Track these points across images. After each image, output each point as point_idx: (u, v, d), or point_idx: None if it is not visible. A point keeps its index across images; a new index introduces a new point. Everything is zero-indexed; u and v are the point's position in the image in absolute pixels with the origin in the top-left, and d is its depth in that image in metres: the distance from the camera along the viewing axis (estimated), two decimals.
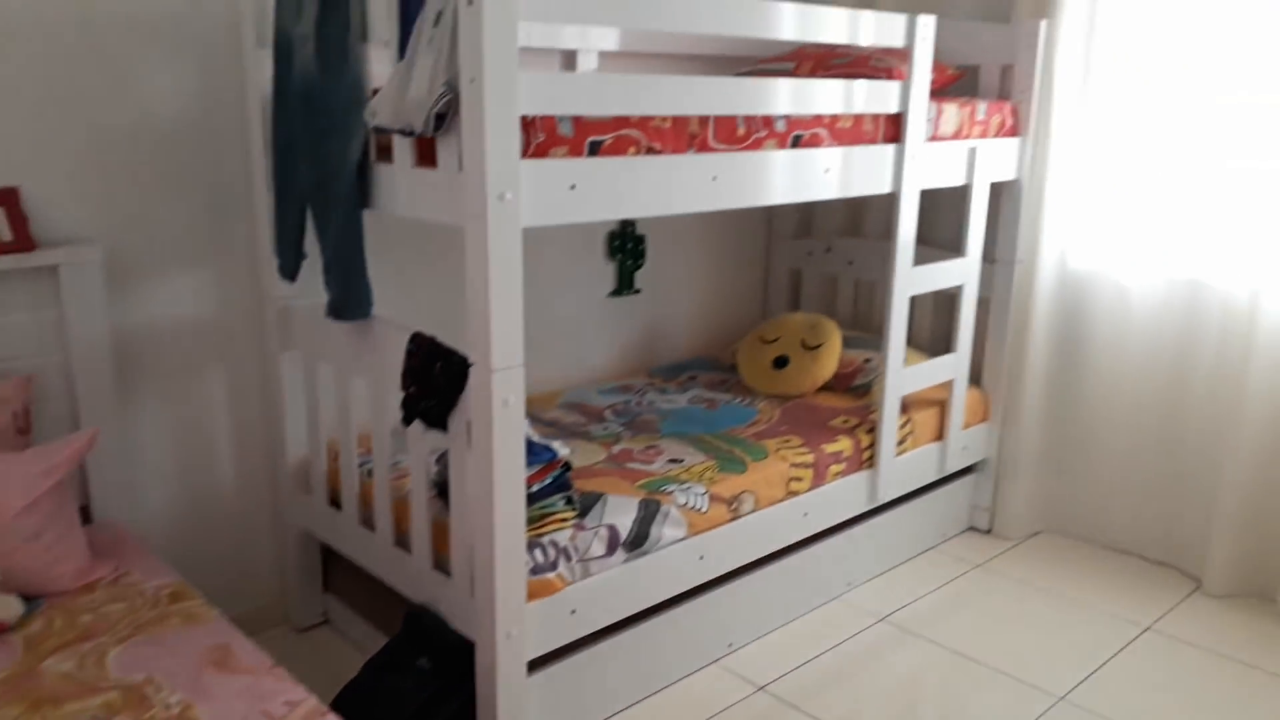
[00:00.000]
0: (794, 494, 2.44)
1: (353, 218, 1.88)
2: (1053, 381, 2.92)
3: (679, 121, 1.89)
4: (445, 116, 1.63)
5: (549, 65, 2.66)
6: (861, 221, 3.26)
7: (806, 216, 3.40)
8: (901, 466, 2.71)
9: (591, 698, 2.07)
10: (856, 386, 2.92)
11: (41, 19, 1.92)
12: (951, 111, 2.54)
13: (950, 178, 2.58)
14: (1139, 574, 2.79)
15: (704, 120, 1.94)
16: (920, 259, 2.60)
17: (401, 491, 2.08)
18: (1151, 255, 2.71)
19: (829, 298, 3.39)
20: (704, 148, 1.94)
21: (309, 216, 2.00)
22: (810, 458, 2.48)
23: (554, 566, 1.94)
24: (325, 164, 1.89)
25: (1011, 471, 2.96)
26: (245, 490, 2.39)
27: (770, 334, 2.98)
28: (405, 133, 1.70)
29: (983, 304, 2.93)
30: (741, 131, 2.01)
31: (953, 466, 2.89)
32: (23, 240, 1.90)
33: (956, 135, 2.57)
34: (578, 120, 1.72)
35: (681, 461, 2.36)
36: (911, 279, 2.55)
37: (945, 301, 3.04)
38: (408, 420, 1.87)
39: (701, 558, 2.23)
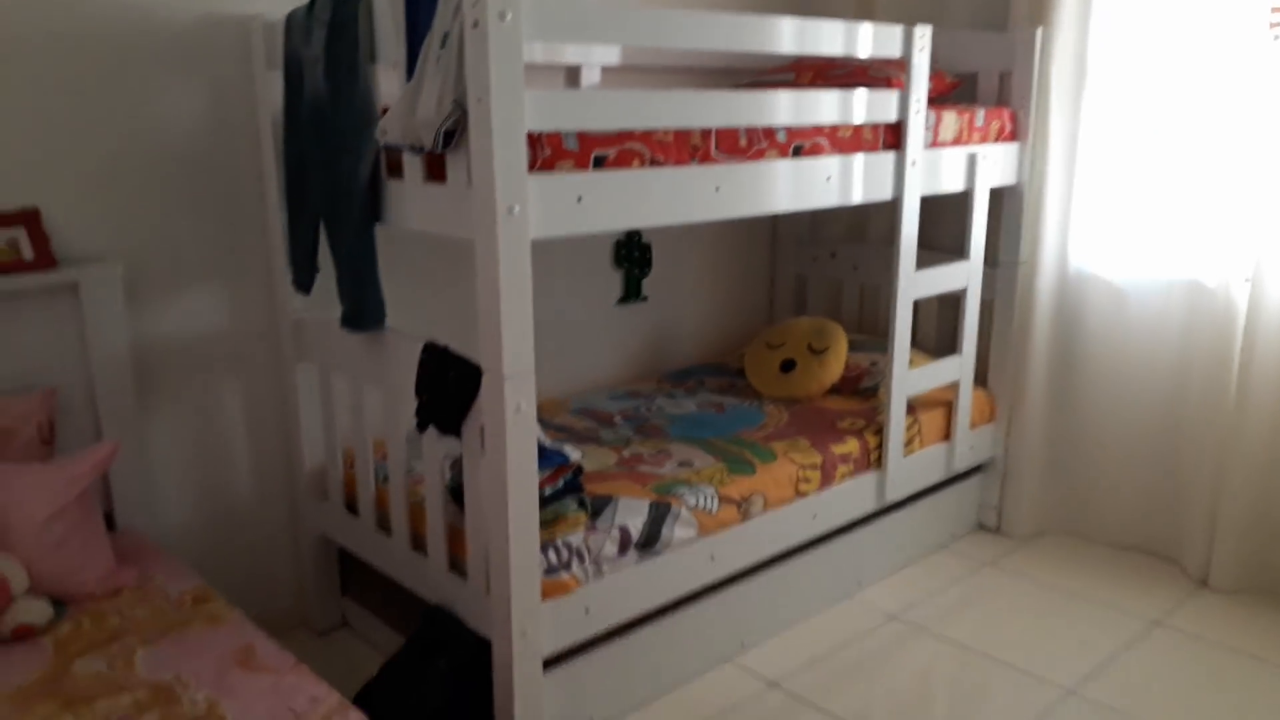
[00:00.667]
0: (803, 495, 2.48)
1: (365, 232, 1.95)
2: (1055, 382, 2.96)
3: (681, 134, 1.94)
4: (454, 134, 1.69)
5: (553, 80, 2.72)
6: (866, 227, 3.31)
7: (811, 223, 3.45)
8: (909, 467, 2.75)
9: (607, 695, 2.12)
10: (863, 389, 2.96)
11: (59, 41, 1.99)
12: (950, 119, 2.58)
13: (951, 183, 2.62)
14: (1146, 570, 2.81)
15: (706, 133, 1.99)
16: (923, 263, 2.64)
17: (417, 496, 2.14)
18: (1149, 256, 2.75)
19: (834, 302, 3.43)
20: (706, 159, 2.00)
21: (322, 231, 2.06)
22: (818, 459, 2.53)
23: (567, 567, 1.99)
24: (337, 181, 1.95)
25: (1017, 471, 3.00)
26: (263, 497, 2.45)
27: (777, 339, 3.03)
28: (415, 150, 1.76)
29: (987, 306, 2.97)
30: (743, 143, 2.06)
31: (960, 466, 2.93)
32: (44, 259, 1.96)
33: (956, 141, 2.61)
34: (582, 135, 1.78)
35: (691, 464, 2.41)
36: (915, 283, 2.59)
37: (950, 304, 3.08)
38: (422, 427, 1.92)
39: (712, 558, 2.27)
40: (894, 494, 2.73)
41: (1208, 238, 2.62)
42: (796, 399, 2.93)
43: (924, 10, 3.07)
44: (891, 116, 2.38)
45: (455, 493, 2.03)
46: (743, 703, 2.21)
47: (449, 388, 1.82)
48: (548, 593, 1.93)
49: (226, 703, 1.56)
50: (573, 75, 2.74)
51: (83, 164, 2.06)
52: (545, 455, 1.98)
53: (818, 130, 2.22)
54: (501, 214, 1.64)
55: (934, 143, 2.53)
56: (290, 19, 2.06)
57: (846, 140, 2.29)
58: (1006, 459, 3.03)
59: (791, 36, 2.08)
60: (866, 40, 2.26)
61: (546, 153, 1.72)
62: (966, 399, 2.88)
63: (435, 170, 1.80)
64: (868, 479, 2.65)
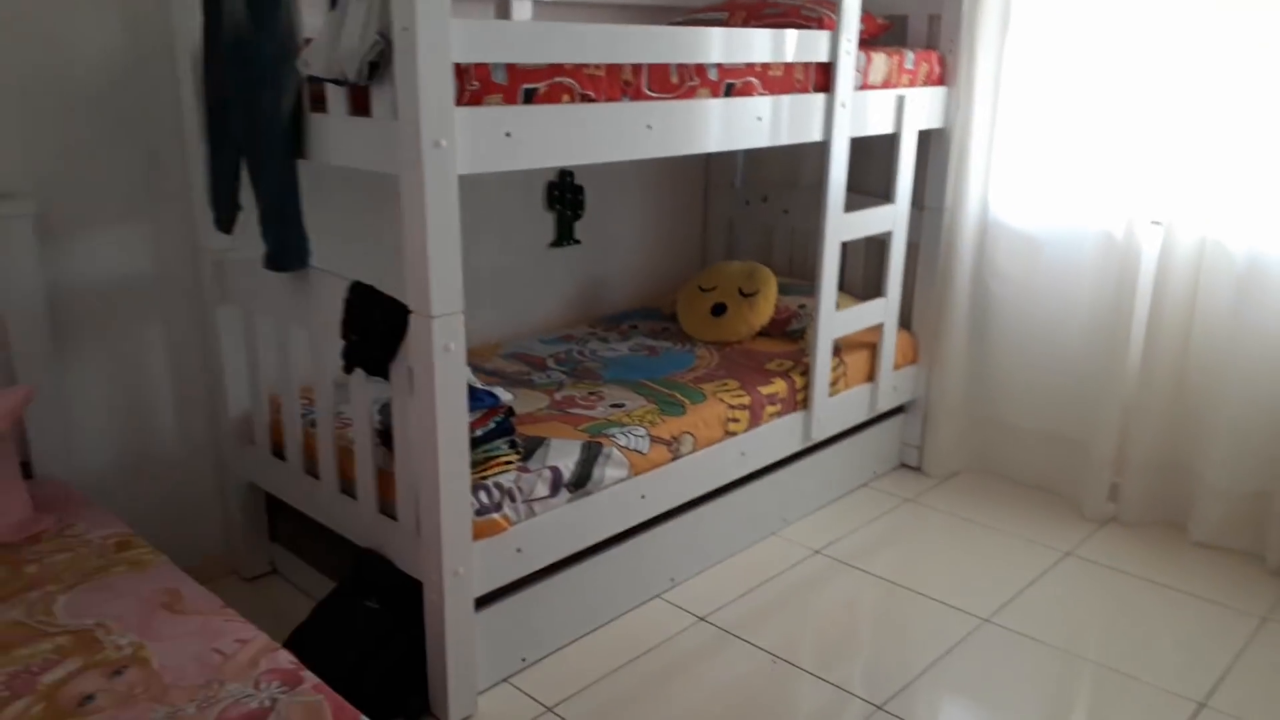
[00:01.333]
0: (731, 434, 2.52)
1: (287, 168, 1.89)
2: (974, 325, 3.02)
3: (612, 70, 1.92)
4: (378, 65, 1.65)
5: (483, 13, 2.66)
6: (798, 171, 3.32)
7: (744, 167, 3.45)
8: (834, 407, 2.81)
9: (539, 632, 2.15)
10: (792, 331, 3.00)
11: None
12: (880, 61, 2.60)
13: (879, 126, 2.65)
14: (1058, 507, 2.93)
15: (637, 69, 1.97)
16: (852, 207, 2.67)
17: (345, 440, 2.12)
18: (1065, 202, 2.80)
19: (766, 246, 3.46)
20: (638, 96, 1.98)
21: (243, 168, 2.00)
22: (747, 400, 2.56)
23: (499, 507, 1.99)
24: (259, 115, 1.89)
25: (936, 412, 3.08)
26: (188, 444, 2.40)
27: (708, 282, 3.04)
28: (339, 82, 1.71)
29: (913, 250, 3.02)
30: (675, 80, 2.05)
31: (883, 406, 3.00)
32: None
33: (885, 84, 2.63)
34: (511, 68, 1.75)
35: (623, 406, 2.43)
36: (842, 225, 2.62)
37: (877, 248, 3.13)
38: (349, 369, 1.90)
39: (643, 497, 2.30)
40: (819, 433, 2.78)
41: (1120, 184, 2.69)
42: (727, 342, 2.95)
43: None
44: (822, 57, 2.39)
45: (384, 435, 2.02)
46: (673, 637, 2.26)
47: (376, 328, 1.80)
48: (479, 533, 1.94)
49: (152, 646, 1.54)
50: (503, 7, 2.68)
51: None
52: (476, 397, 1.97)
53: (749, 69, 2.21)
54: (427, 148, 1.61)
55: (864, 85, 2.54)
56: None
57: (778, 80, 2.29)
58: (928, 400, 3.10)
59: None
60: None
61: (474, 85, 1.69)
62: (891, 341, 2.94)
63: (360, 103, 1.76)
64: (794, 419, 2.70)
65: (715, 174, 3.46)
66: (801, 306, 3.01)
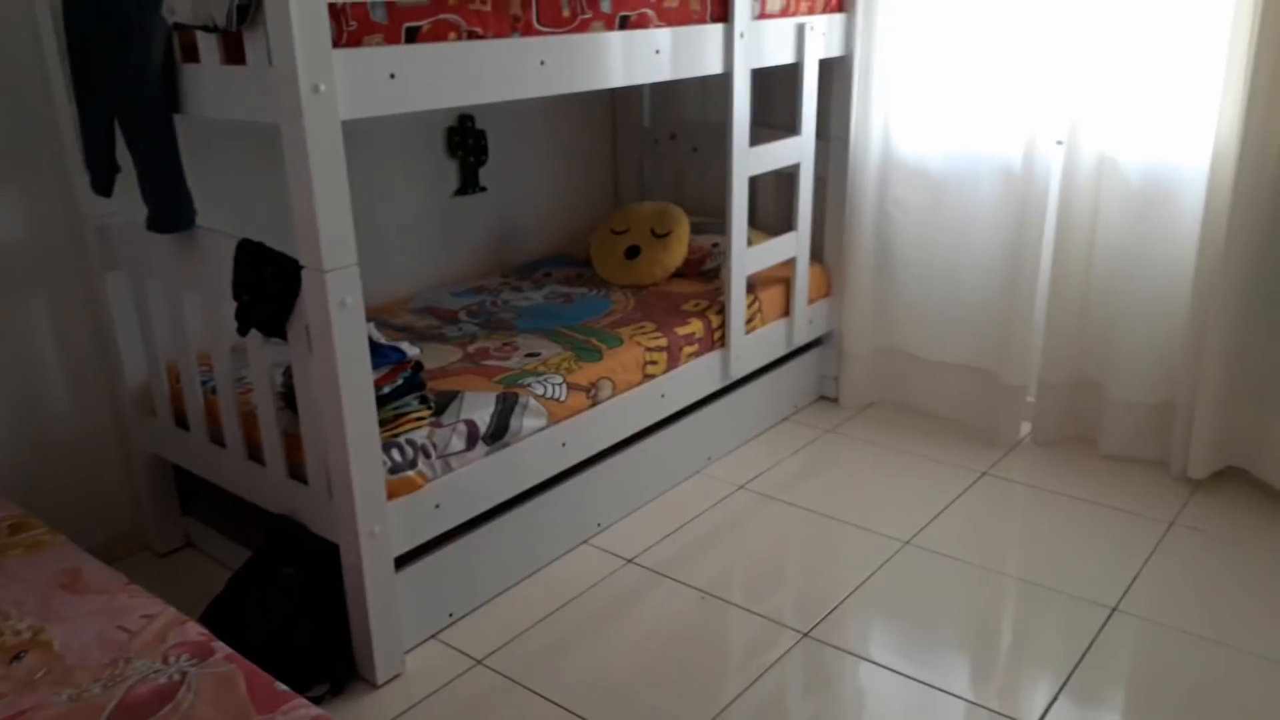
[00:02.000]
0: (650, 377, 2.51)
1: (163, 124, 1.80)
2: (880, 257, 3.00)
3: (500, 5, 1.86)
4: (248, 8, 1.56)
5: None
6: (705, 108, 3.29)
7: (652, 106, 3.40)
8: (751, 344, 2.81)
9: (465, 586, 2.13)
10: (706, 271, 2.98)
11: None
12: None
13: (780, 55, 2.62)
14: (973, 431, 2.98)
15: (526, 3, 1.91)
16: (760, 140, 2.65)
17: (249, 405, 2.05)
18: (967, 126, 2.78)
19: (678, 185, 3.43)
20: (529, 31, 1.92)
21: (117, 126, 1.90)
22: (664, 341, 2.55)
23: (413, 464, 1.96)
24: (127, 68, 1.78)
25: (848, 345, 3.09)
26: (85, 418, 2.30)
27: (620, 225, 3.01)
28: (208, 28, 1.62)
29: (823, 184, 3.01)
30: (566, 13, 1.99)
31: (800, 340, 3.02)
32: None
33: (784, 12, 2.60)
34: (391, 6, 1.67)
35: (539, 355, 2.39)
36: (748, 159, 2.60)
37: (788, 184, 3.11)
38: (243, 330, 1.83)
39: (564, 445, 2.28)
40: (738, 371, 2.79)
41: (1020, 105, 2.68)
42: (643, 285, 2.93)
43: None
44: None
45: (288, 398, 1.96)
46: (601, 580, 2.26)
47: (267, 287, 1.73)
48: (394, 492, 1.90)
49: (52, 628, 1.48)
50: None
51: None
52: (380, 352, 1.92)
53: (644, 0, 2.16)
54: (306, 94, 1.54)
55: (761, 13, 2.51)
56: None
57: (674, 11, 2.25)
58: (840, 333, 3.12)
59: None
60: None
61: (352, 26, 1.61)
62: (803, 275, 2.95)
63: (233, 51, 1.67)
64: (713, 358, 2.69)
65: (622, 113, 3.41)
66: (715, 245, 3.00)
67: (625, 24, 2.13)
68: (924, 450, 2.86)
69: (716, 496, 2.63)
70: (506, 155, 3.09)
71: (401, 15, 1.69)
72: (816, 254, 3.08)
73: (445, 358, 2.38)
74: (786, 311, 2.95)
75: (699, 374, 2.66)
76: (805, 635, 2.05)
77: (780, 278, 2.94)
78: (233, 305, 1.85)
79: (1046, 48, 2.59)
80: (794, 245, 2.88)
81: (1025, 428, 2.92)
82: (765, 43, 2.54)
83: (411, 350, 2.00)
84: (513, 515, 2.20)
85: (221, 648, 1.44)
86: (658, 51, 2.22)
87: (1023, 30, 2.65)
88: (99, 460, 2.34)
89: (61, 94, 2.04)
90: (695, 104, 3.32)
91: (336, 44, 1.59)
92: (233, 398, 2.03)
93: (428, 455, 1.98)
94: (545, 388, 2.24)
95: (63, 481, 2.29)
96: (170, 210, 1.86)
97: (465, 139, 2.93)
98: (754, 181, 2.72)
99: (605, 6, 2.07)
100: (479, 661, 1.99)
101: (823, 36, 2.75)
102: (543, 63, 1.95)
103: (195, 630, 1.48)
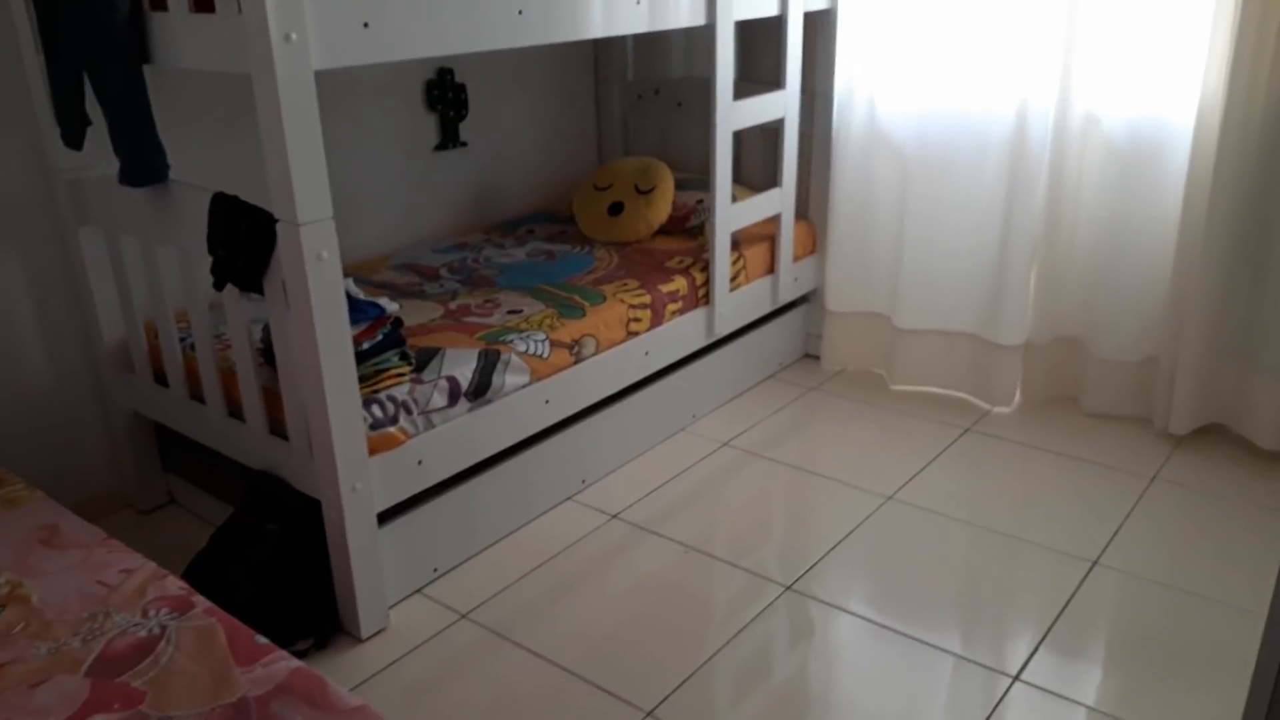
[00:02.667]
0: (634, 334, 2.50)
1: (132, 75, 1.76)
2: (866, 216, 2.93)
3: None
4: None
5: None
6: (689, 62, 3.24)
7: (634, 58, 3.36)
8: (736, 301, 2.80)
9: (450, 542, 2.13)
10: (691, 228, 2.96)
11: None
12: None
13: (764, 7, 2.58)
14: (958, 391, 2.98)
15: None
16: (745, 95, 2.62)
17: (228, 362, 2.03)
18: (953, 83, 2.72)
19: (662, 141, 3.39)
20: None
21: (86, 77, 1.86)
22: (648, 298, 2.53)
23: (395, 420, 1.95)
24: (92, 17, 1.74)
25: (829, 305, 3.05)
26: (63, 377, 2.28)
27: (603, 181, 2.98)
28: None
29: (808, 139, 2.98)
30: None
31: (785, 298, 3.01)
32: None
33: None
34: None
35: (521, 312, 2.38)
36: (732, 113, 2.57)
37: (774, 139, 3.08)
38: (219, 285, 1.80)
39: (547, 402, 2.27)
40: (722, 329, 2.78)
41: (1009, 62, 2.63)
42: (626, 242, 2.91)
43: None
44: None
45: (268, 354, 1.94)
46: (586, 535, 2.27)
47: (242, 241, 1.71)
48: (375, 448, 1.89)
49: (31, 583, 1.48)
50: None
51: None
52: (358, 308, 1.90)
53: None
54: (278, 43, 1.50)
55: None
56: None
57: None
58: (823, 291, 3.09)
59: None
60: None
61: None
62: (788, 232, 2.93)
63: None
64: (697, 316, 2.68)
65: (605, 68, 3.36)
66: (699, 202, 2.97)
67: None
68: (907, 408, 2.87)
69: (701, 453, 2.63)
70: (487, 110, 3.05)
71: None
72: (802, 211, 3.06)
73: (426, 314, 2.36)
74: (771, 269, 2.93)
75: (683, 331, 2.65)
76: (788, 589, 2.06)
77: (765, 235, 2.92)
78: (209, 260, 1.83)
79: (1033, 2, 2.55)
80: (779, 202, 2.86)
81: (1012, 387, 2.90)
82: None
83: (390, 306, 1.98)
84: (497, 471, 2.20)
85: (201, 601, 1.44)
86: (638, 2, 2.18)
87: None
88: (78, 418, 2.32)
89: (28, 43, 2.00)
90: (679, 58, 3.27)
91: None
92: (212, 354, 2.01)
93: (409, 411, 1.98)
94: (528, 344, 2.23)
95: (41, 440, 2.27)
96: (142, 163, 1.83)
97: (445, 93, 2.89)
98: (739, 137, 2.69)
99: None
100: (464, 615, 2.00)
101: None
102: (520, 12, 1.91)
103: (175, 584, 1.48)
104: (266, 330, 1.96)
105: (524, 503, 2.30)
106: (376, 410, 1.92)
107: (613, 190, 2.94)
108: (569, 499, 2.42)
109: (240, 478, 2.10)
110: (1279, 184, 2.39)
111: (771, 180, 3.08)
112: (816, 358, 3.20)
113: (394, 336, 2.00)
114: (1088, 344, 2.76)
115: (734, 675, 1.82)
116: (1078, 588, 2.04)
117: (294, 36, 1.53)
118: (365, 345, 1.93)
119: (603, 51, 3.34)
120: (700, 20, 2.38)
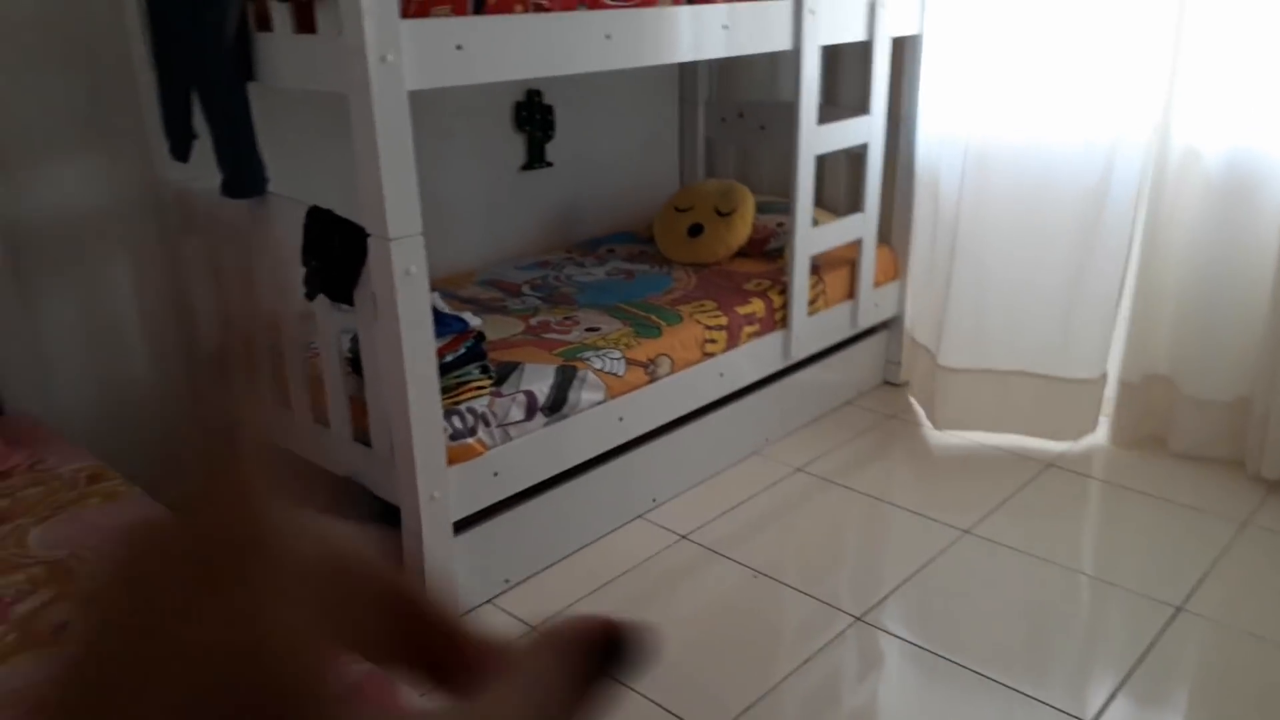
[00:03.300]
0: (709, 355, 2.50)
1: (237, 92, 1.84)
2: (954, 243, 2.83)
3: None
4: None
5: None
6: (774, 86, 3.25)
7: (718, 82, 3.38)
8: (813, 325, 2.79)
9: (520, 554, 2.16)
10: (770, 250, 2.96)
11: None
12: None
13: (851, 33, 2.58)
14: (1043, 426, 2.89)
15: None
16: (829, 119, 2.61)
17: (316, 369, 2.10)
18: (1050, 110, 2.68)
19: (744, 164, 3.40)
20: (596, 4, 1.92)
21: (194, 94, 1.95)
22: (724, 320, 2.54)
23: (473, 432, 1.99)
24: (203, 37, 1.83)
25: (910, 336, 3.01)
26: (164, 381, 2.38)
27: (684, 202, 3.00)
28: None
29: (892, 164, 2.95)
30: None
31: (865, 324, 2.98)
32: None
33: None
34: None
35: (598, 330, 2.41)
36: (815, 138, 2.57)
37: (858, 164, 3.06)
38: (311, 295, 1.87)
39: (621, 419, 2.29)
40: (799, 353, 2.77)
41: (1104, 94, 2.57)
42: (705, 263, 2.92)
43: None
44: None
45: (355, 363, 2.00)
46: (656, 554, 2.27)
47: (334, 253, 1.77)
48: (454, 458, 1.94)
49: None
50: None
51: None
52: (443, 321, 1.95)
53: None
54: (374, 64, 1.56)
55: None
56: None
57: None
58: (905, 319, 3.05)
59: None
60: None
61: None
62: (870, 257, 2.90)
63: (305, 20, 1.71)
64: (773, 339, 2.68)
65: (690, 91, 3.39)
66: (780, 225, 2.97)
67: None
68: (988, 440, 2.81)
69: (774, 478, 2.62)
70: (573, 131, 3.10)
71: None
72: (884, 237, 3.03)
73: (507, 329, 2.41)
74: (851, 294, 2.91)
75: (759, 354, 2.65)
76: (858, 619, 2.04)
77: (847, 259, 2.90)
78: (302, 271, 1.90)
79: (1131, 33, 2.49)
80: (860, 226, 2.84)
81: (1092, 424, 2.82)
82: (835, 19, 2.50)
83: (474, 320, 2.03)
84: (569, 486, 2.23)
85: None
86: (725, 26, 2.20)
87: (1106, 15, 2.55)
88: (172, 417, 2.42)
89: (141, 62, 2.11)
90: (764, 82, 3.28)
91: (404, 14, 1.61)
92: (301, 360, 2.08)
93: (487, 424, 2.02)
94: (604, 362, 2.26)
95: (137, 435, 2.37)
96: (243, 176, 1.91)
97: (533, 114, 2.95)
98: (822, 161, 2.68)
99: None
100: (533, 628, 2.03)
101: (896, 14, 2.70)
102: (608, 36, 1.95)
103: None
104: (355, 340, 2.02)
105: (595, 519, 2.32)
106: (457, 421, 1.96)
107: (693, 212, 2.96)
108: (639, 517, 2.43)
109: (320, 481, 2.16)
110: None
111: (854, 205, 3.06)
112: (895, 384, 3.16)
113: (476, 350, 2.04)
114: (1177, 382, 2.67)
115: (800, 704, 1.81)
116: (1160, 633, 1.97)
117: (389, 58, 1.58)
118: (448, 358, 1.98)
119: (687, 74, 3.37)
120: (786, 45, 2.39)
